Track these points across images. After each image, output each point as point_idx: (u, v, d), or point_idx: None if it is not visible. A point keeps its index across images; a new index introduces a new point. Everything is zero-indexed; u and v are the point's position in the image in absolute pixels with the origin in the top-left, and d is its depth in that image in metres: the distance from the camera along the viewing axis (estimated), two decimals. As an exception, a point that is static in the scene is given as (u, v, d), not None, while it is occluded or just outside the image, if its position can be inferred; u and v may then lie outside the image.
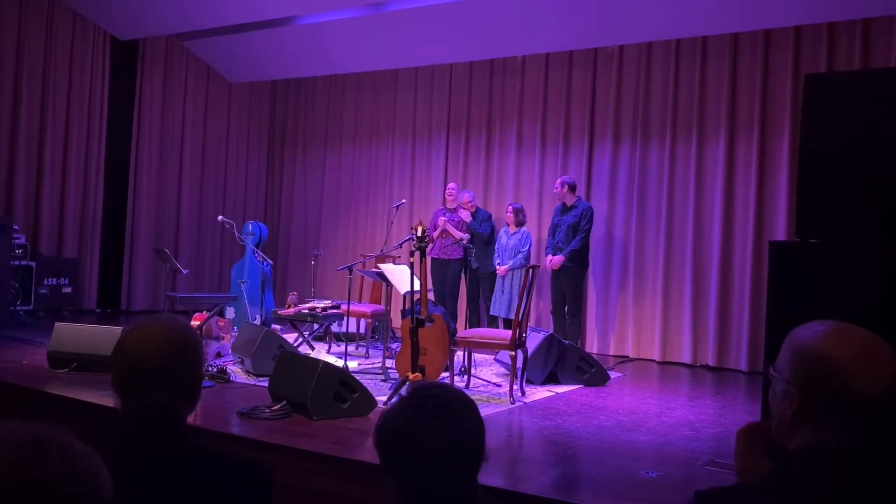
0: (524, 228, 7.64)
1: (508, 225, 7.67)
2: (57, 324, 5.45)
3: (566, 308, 7.36)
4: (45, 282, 8.08)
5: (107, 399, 4.36)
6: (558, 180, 7.51)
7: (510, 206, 7.71)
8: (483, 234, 7.80)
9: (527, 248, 7.53)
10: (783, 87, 7.09)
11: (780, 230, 6.96)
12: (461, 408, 1.45)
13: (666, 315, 7.57)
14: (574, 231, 7.24)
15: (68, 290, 8.31)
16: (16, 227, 7.82)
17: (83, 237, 8.90)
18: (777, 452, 1.49)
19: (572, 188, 7.41)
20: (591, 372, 5.93)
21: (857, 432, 1.28)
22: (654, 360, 7.55)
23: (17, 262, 7.69)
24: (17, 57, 8.24)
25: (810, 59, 6.95)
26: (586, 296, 7.94)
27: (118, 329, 5.34)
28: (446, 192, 8.23)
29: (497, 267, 7.56)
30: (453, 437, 1.40)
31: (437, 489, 1.39)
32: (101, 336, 5.26)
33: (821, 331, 1.32)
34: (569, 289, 7.32)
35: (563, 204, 7.41)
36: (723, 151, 7.35)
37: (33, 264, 7.95)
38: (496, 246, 7.72)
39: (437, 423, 1.39)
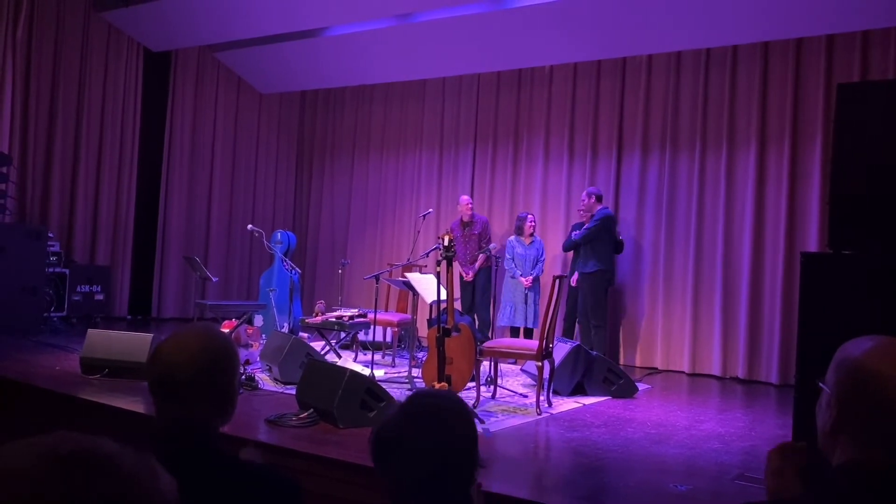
0: (538, 238, 7.67)
1: (521, 236, 7.65)
2: (89, 330, 5.53)
3: (588, 317, 7.27)
4: (78, 289, 8.22)
5: (138, 405, 4.42)
6: (584, 192, 7.44)
7: (531, 216, 7.73)
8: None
9: (544, 257, 7.58)
10: (815, 96, 7.00)
11: (811, 241, 6.86)
12: (452, 414, 1.46)
13: (695, 326, 7.48)
14: (594, 243, 7.17)
15: (100, 297, 8.45)
16: (50, 235, 7.98)
17: (115, 245, 9.04)
18: (811, 474, 1.46)
19: (599, 199, 7.37)
20: (618, 383, 5.88)
21: None
22: (683, 372, 7.46)
23: (51, 270, 7.84)
24: (53, 69, 8.43)
25: (843, 67, 6.86)
26: (610, 307, 7.87)
27: (149, 336, 5.44)
28: (461, 205, 8.15)
29: (519, 278, 7.56)
30: (442, 442, 1.41)
31: (427, 493, 1.41)
32: (133, 343, 5.34)
33: (867, 345, 1.31)
34: (590, 296, 7.17)
35: (591, 216, 7.32)
36: (753, 161, 7.27)
37: (67, 271, 8.09)
38: (511, 256, 7.74)
39: (426, 428, 1.41)
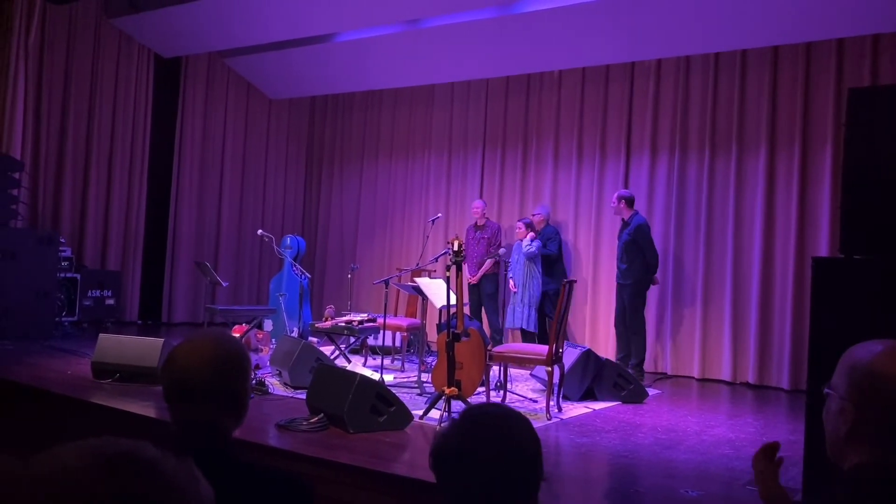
0: (529, 238, 7.68)
1: (521, 240, 7.69)
2: (101, 335, 5.56)
3: (626, 324, 7.21)
4: (89, 294, 8.25)
5: (149, 410, 4.44)
6: (615, 194, 7.33)
7: (520, 222, 7.77)
8: (551, 254, 7.62)
9: (534, 245, 7.49)
10: (825, 100, 6.97)
11: (822, 246, 6.83)
12: (515, 426, 1.42)
13: (705, 331, 7.45)
14: (629, 248, 7.01)
15: (111, 301, 8.49)
16: (62, 241, 8.02)
17: (126, 250, 9.09)
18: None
19: (629, 202, 7.13)
20: (628, 388, 5.86)
21: None
22: (692, 378, 7.43)
23: (62, 275, 7.88)
24: (65, 75, 8.49)
25: (853, 72, 6.82)
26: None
27: (160, 341, 5.46)
28: (472, 209, 8.26)
29: (510, 284, 7.64)
30: (508, 455, 1.37)
31: None
32: (144, 348, 5.36)
33: (878, 349, 1.32)
34: (629, 303, 7.08)
35: (623, 221, 7.19)
36: (763, 165, 7.25)
37: (78, 276, 8.14)
38: (509, 261, 7.77)
39: (487, 439, 1.38)
